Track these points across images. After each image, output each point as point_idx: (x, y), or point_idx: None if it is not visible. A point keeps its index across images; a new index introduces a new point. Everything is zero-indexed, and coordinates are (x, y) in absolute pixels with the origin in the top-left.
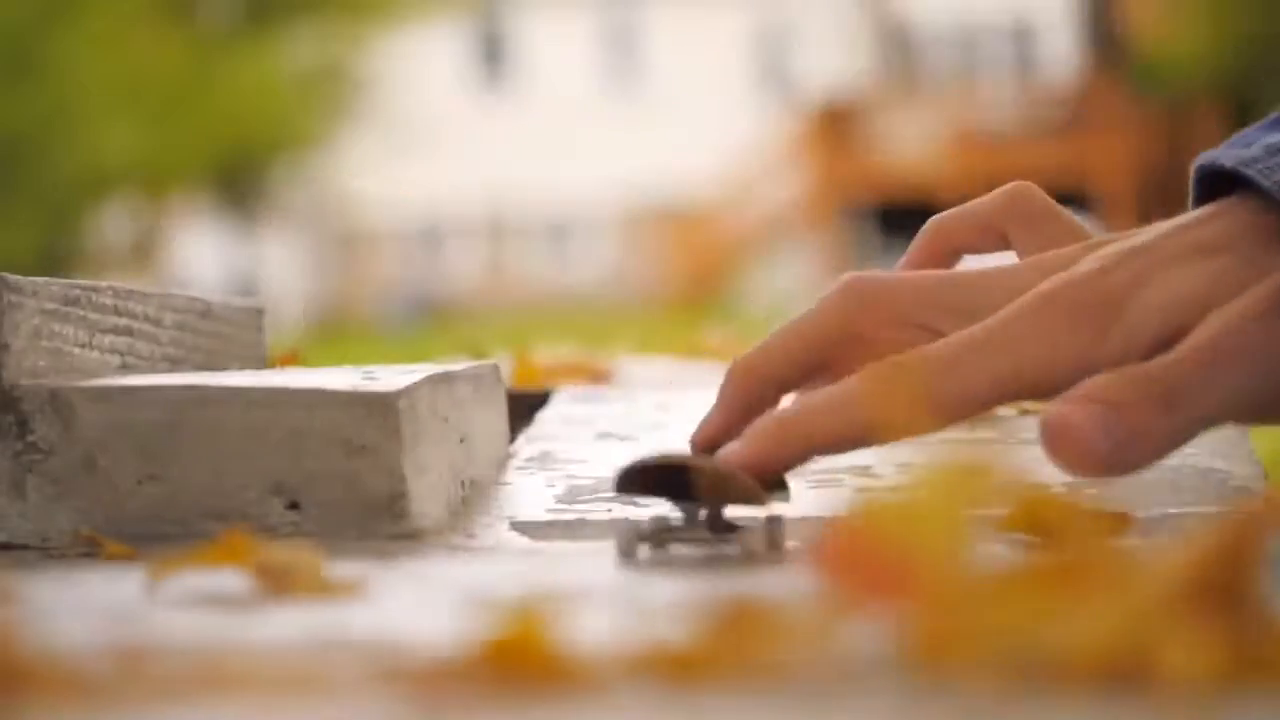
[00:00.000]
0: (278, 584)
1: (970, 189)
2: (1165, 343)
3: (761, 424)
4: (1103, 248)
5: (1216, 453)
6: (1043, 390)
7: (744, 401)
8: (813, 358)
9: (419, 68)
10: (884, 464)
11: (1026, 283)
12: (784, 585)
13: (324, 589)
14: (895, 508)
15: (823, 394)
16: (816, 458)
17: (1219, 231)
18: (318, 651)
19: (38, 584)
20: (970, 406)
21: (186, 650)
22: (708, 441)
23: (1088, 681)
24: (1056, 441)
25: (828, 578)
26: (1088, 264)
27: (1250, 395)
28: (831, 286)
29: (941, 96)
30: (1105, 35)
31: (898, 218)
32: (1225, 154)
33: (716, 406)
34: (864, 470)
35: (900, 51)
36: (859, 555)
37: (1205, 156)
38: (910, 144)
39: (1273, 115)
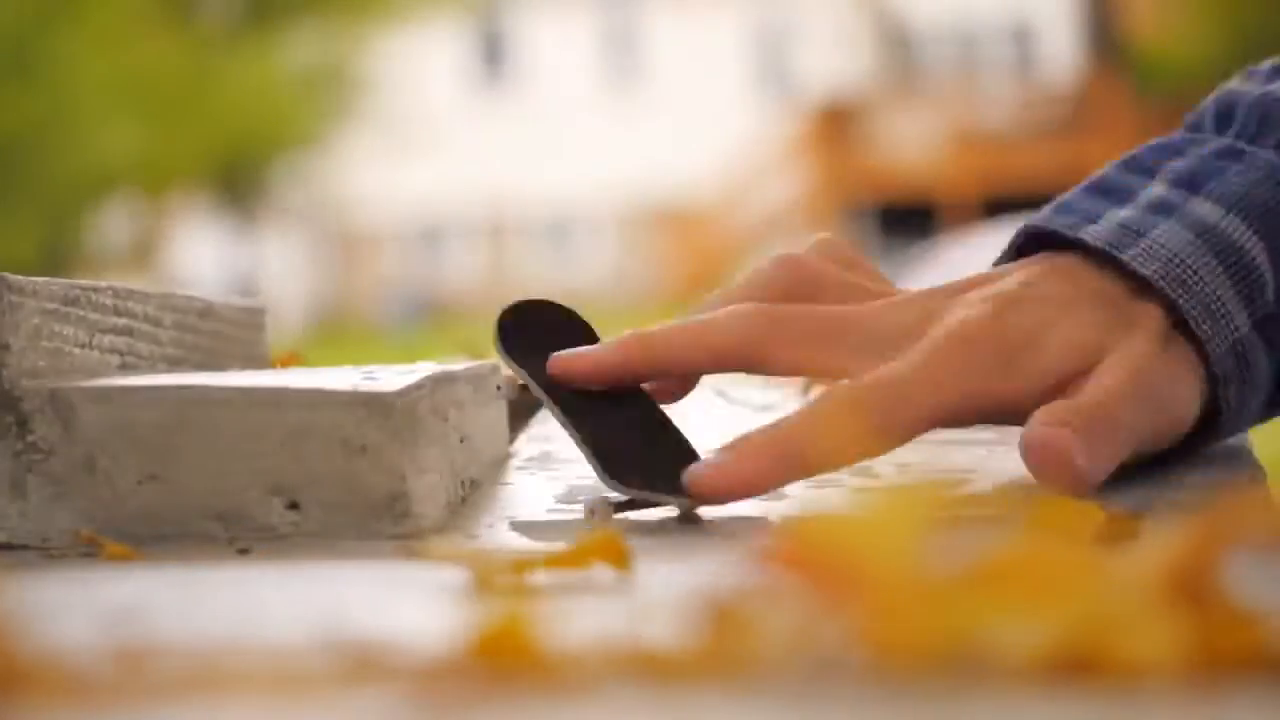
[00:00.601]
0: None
1: (970, 189)
2: (1067, 379)
3: (754, 444)
4: (965, 293)
5: (1217, 453)
6: (963, 421)
7: (623, 371)
8: (705, 368)
9: (419, 68)
10: (883, 464)
11: (914, 321)
12: (765, 587)
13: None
14: (846, 512)
15: (806, 417)
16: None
17: (1093, 288)
18: (317, 651)
19: (38, 584)
20: (913, 433)
21: (187, 650)
22: (567, 369)
23: (1039, 679)
24: (1046, 463)
25: (778, 578)
26: (981, 307)
27: (1155, 426)
28: (740, 307)
29: (941, 96)
30: (1105, 35)
31: (898, 218)
32: (1061, 221)
33: (596, 355)
34: (864, 470)
35: (900, 51)
36: (809, 557)
37: (1040, 220)
38: (910, 144)
39: (1087, 182)
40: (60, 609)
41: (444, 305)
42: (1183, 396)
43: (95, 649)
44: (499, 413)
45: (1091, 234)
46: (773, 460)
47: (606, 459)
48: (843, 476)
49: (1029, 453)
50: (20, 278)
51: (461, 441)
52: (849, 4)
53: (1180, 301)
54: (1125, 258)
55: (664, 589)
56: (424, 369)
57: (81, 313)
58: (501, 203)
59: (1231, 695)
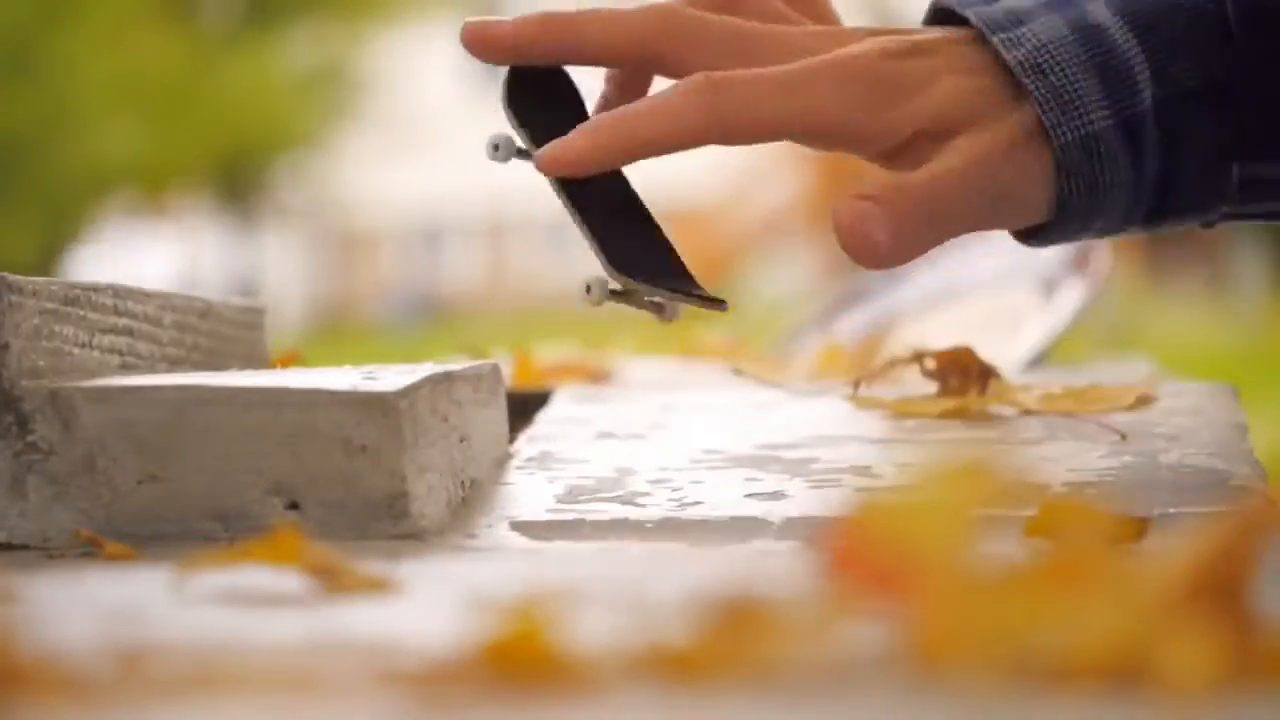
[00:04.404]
0: (330, 582)
1: None
2: (930, 137)
3: (596, 121)
4: (880, 35)
5: (1216, 453)
6: (817, 139)
7: (533, 51)
8: (613, 58)
9: (419, 67)
10: (884, 464)
11: (820, 47)
12: (784, 583)
13: (368, 585)
14: (898, 506)
15: (651, 99)
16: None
17: (985, 62)
18: (318, 651)
19: (38, 584)
20: (759, 133)
21: (186, 650)
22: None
23: (1087, 681)
24: (850, 232)
25: (831, 575)
26: (878, 45)
27: (987, 214)
28: (656, 5)
29: None
30: None
31: None
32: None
33: (507, 30)
34: (864, 470)
35: None
36: (862, 553)
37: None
38: None
39: None
40: (60, 609)
41: (444, 305)
42: (1028, 191)
43: (95, 649)
44: (499, 413)
45: (978, 13)
46: (611, 136)
47: (609, 249)
48: (843, 476)
49: (835, 225)
50: (20, 278)
51: (461, 441)
52: (849, 4)
53: (1032, 86)
54: (995, 40)
55: (677, 588)
56: (424, 369)
57: (81, 313)
58: (501, 203)
59: (1250, 701)
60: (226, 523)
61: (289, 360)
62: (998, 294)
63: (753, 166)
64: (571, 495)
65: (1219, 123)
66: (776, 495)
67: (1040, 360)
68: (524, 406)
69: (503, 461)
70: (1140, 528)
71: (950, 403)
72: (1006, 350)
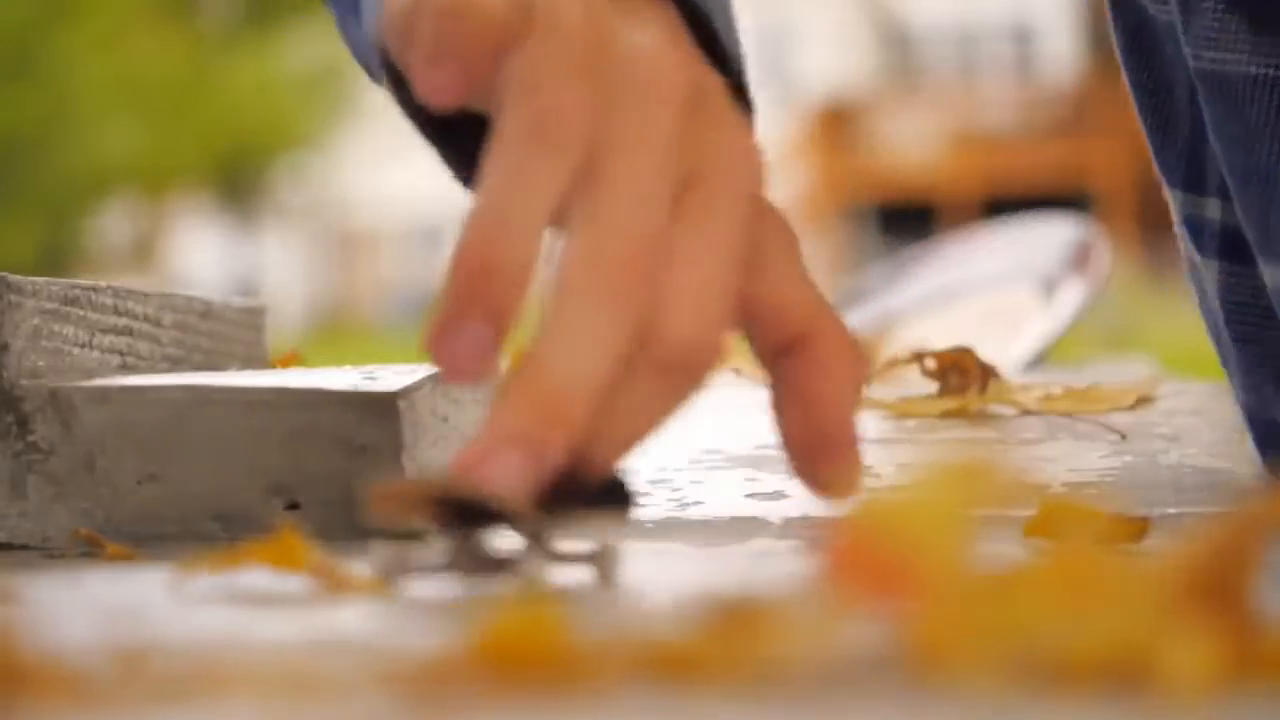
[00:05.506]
0: (330, 582)
1: (970, 189)
2: None
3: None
4: None
5: (1216, 453)
6: None
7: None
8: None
9: None
10: (884, 464)
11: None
12: (785, 584)
13: (368, 586)
14: (898, 506)
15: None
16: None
17: None
18: (317, 651)
19: (38, 584)
20: None
21: (186, 650)
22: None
23: (1088, 682)
24: None
25: (831, 576)
26: None
27: None
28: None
29: (941, 96)
30: (1105, 35)
31: (898, 218)
32: None
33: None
34: (864, 470)
35: (900, 51)
36: (862, 554)
37: None
38: (910, 144)
39: None
40: (60, 609)
41: None
42: None
43: (95, 649)
44: None
45: None
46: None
47: None
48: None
49: None
50: (20, 278)
51: (462, 441)
52: (849, 4)
53: None
54: None
55: (676, 589)
56: (424, 369)
57: (81, 313)
58: None
59: (1250, 701)
60: (226, 523)
61: (289, 360)
62: (998, 294)
63: None
64: None
65: None
66: (776, 495)
67: (1040, 360)
68: None
69: None
70: (1140, 528)
71: (950, 403)
72: (1006, 350)
